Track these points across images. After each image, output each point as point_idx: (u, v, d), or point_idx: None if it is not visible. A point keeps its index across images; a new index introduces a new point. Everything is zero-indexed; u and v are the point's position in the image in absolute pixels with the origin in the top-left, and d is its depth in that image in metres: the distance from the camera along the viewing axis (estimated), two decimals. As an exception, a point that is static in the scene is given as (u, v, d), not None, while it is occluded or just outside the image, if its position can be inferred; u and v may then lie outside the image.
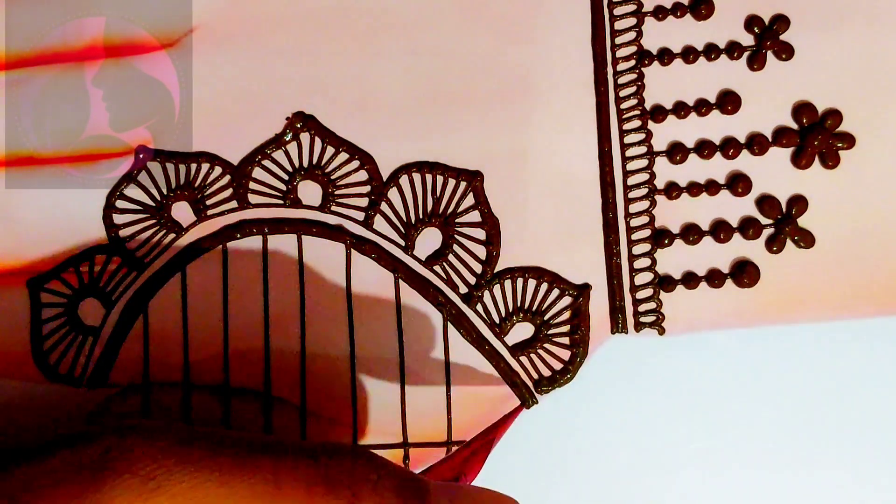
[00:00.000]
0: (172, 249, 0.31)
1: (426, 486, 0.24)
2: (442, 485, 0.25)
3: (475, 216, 0.32)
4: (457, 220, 0.32)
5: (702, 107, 0.32)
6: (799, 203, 0.32)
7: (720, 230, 0.32)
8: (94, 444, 0.24)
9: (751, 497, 0.32)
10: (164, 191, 0.32)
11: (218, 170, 0.32)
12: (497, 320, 0.32)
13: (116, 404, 0.31)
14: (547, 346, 0.32)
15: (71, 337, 0.31)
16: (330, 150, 0.32)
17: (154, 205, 0.32)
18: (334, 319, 0.31)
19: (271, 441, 0.24)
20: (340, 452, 0.24)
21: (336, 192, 0.32)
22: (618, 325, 0.32)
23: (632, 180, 0.32)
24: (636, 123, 0.32)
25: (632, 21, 0.32)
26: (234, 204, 0.32)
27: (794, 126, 0.32)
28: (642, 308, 0.32)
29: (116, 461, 0.23)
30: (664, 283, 0.32)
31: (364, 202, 0.32)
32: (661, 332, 0.32)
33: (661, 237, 0.32)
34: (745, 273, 0.32)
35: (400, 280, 0.32)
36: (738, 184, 0.32)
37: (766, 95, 0.32)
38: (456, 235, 0.32)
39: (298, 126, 0.32)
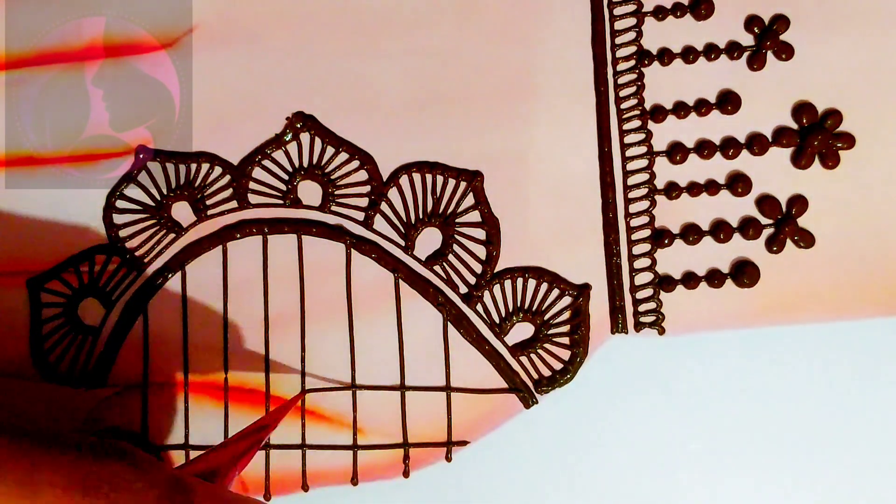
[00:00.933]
0: (172, 249, 0.31)
1: (190, 493, 0.24)
2: (208, 491, 0.24)
3: (475, 216, 0.32)
4: (457, 220, 0.32)
5: (702, 107, 0.32)
6: (799, 203, 0.32)
7: (720, 230, 0.32)
8: None
9: (750, 497, 0.32)
10: (164, 191, 0.32)
11: (218, 170, 0.32)
12: (497, 320, 0.32)
13: (116, 404, 0.31)
14: (547, 346, 0.32)
15: (71, 337, 0.31)
16: (330, 150, 0.32)
17: (154, 205, 0.32)
18: (334, 319, 0.31)
19: (38, 434, 0.23)
20: (107, 453, 0.23)
21: (336, 192, 0.32)
22: (618, 325, 0.32)
23: (632, 180, 0.32)
24: (636, 123, 0.32)
25: (632, 21, 0.32)
26: (234, 204, 0.32)
27: (794, 126, 0.32)
28: (642, 308, 0.32)
29: None
30: (664, 283, 0.32)
31: (364, 202, 0.32)
32: (661, 332, 0.32)
33: (661, 237, 0.32)
34: (745, 273, 0.32)
35: (400, 280, 0.32)
36: (738, 184, 0.32)
37: (766, 95, 0.32)
38: (456, 235, 0.32)
39: (298, 126, 0.32)
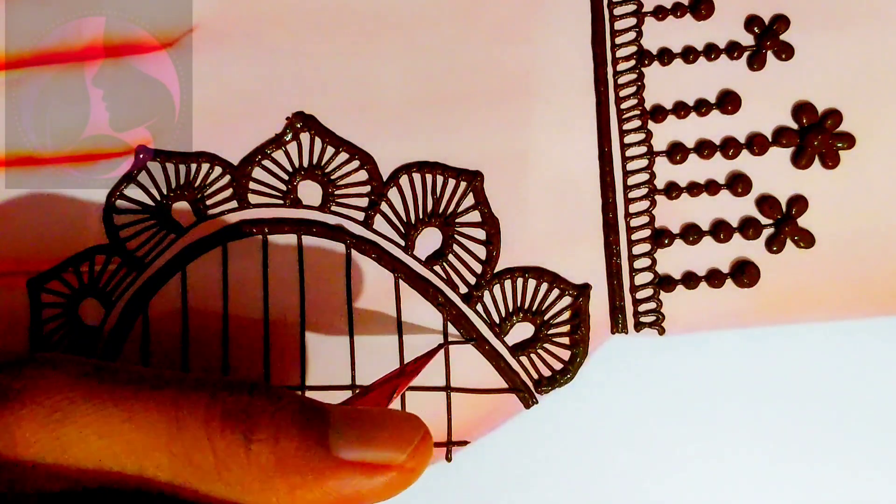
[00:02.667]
0: (172, 249, 0.31)
1: (326, 412, 0.25)
2: (343, 409, 0.25)
3: (475, 216, 0.32)
4: (457, 220, 0.32)
5: (702, 107, 0.32)
6: (799, 203, 0.32)
7: (720, 230, 0.32)
8: (5, 373, 0.24)
9: (750, 497, 0.32)
10: (164, 191, 0.32)
11: (218, 170, 0.32)
12: (497, 320, 0.32)
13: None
14: (547, 346, 0.32)
15: (71, 337, 0.31)
16: (330, 150, 0.32)
17: (154, 205, 0.32)
18: (334, 319, 0.31)
19: (173, 377, 0.25)
20: (238, 387, 0.24)
21: (336, 192, 0.32)
22: (618, 325, 0.32)
23: (632, 180, 0.32)
24: (636, 123, 0.32)
25: (632, 21, 0.32)
26: (234, 204, 0.32)
27: (794, 126, 0.32)
28: (642, 308, 0.32)
29: (24, 392, 0.24)
30: (664, 283, 0.32)
31: (364, 202, 0.32)
32: (661, 332, 0.32)
33: (661, 237, 0.32)
34: (745, 273, 0.32)
35: (400, 280, 0.32)
36: (738, 184, 0.32)
37: (766, 95, 0.32)
38: (456, 235, 0.32)
39: (298, 126, 0.32)
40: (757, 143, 0.32)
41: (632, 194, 0.32)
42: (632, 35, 0.32)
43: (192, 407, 0.24)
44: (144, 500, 0.24)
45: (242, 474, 0.23)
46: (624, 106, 0.32)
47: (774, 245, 0.32)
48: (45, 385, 0.24)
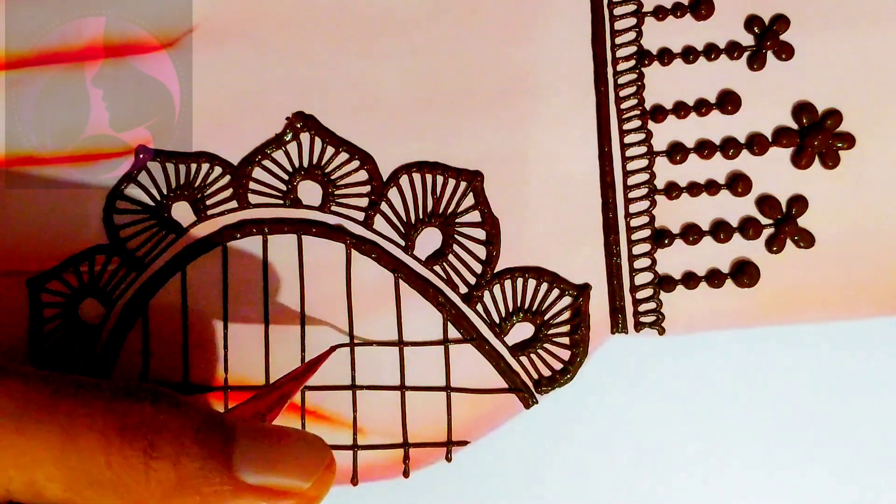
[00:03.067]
0: (172, 249, 0.31)
1: (231, 429, 0.24)
2: (248, 426, 0.24)
3: (475, 216, 0.32)
4: (457, 220, 0.32)
5: (702, 107, 0.32)
6: (799, 203, 0.32)
7: (720, 230, 0.32)
8: None
9: (750, 497, 0.32)
10: (164, 191, 0.32)
11: (218, 170, 0.32)
12: (497, 320, 0.32)
13: None
14: (547, 346, 0.32)
15: (71, 337, 0.31)
16: (330, 150, 0.32)
17: (154, 205, 0.32)
18: (334, 319, 0.31)
19: (70, 382, 0.24)
20: (140, 397, 0.23)
21: (336, 192, 0.32)
22: (618, 325, 0.32)
23: (632, 180, 0.32)
24: (636, 123, 0.32)
25: (632, 21, 0.32)
26: (234, 204, 0.32)
27: (794, 126, 0.32)
28: (642, 308, 0.32)
29: None
30: (664, 283, 0.32)
31: (364, 202, 0.32)
32: (661, 332, 0.32)
33: (661, 237, 0.32)
34: (745, 273, 0.32)
35: (400, 280, 0.32)
36: (738, 184, 0.32)
37: (766, 95, 0.32)
38: (456, 235, 0.32)
39: (298, 126, 0.32)
40: (757, 143, 0.32)
41: (632, 194, 0.32)
42: (632, 35, 0.32)
43: (89, 417, 0.23)
44: None
45: (140, 491, 0.23)
46: (624, 106, 0.32)
47: (774, 245, 0.32)
48: None
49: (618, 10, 0.32)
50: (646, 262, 0.32)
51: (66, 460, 0.22)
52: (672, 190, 0.32)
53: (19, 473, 0.22)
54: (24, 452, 0.22)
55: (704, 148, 0.32)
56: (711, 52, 0.32)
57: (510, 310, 0.32)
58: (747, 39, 0.32)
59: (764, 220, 0.32)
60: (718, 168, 0.32)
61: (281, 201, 0.32)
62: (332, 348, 0.30)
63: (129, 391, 0.24)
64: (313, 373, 0.29)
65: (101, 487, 0.23)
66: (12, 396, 0.23)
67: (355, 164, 0.32)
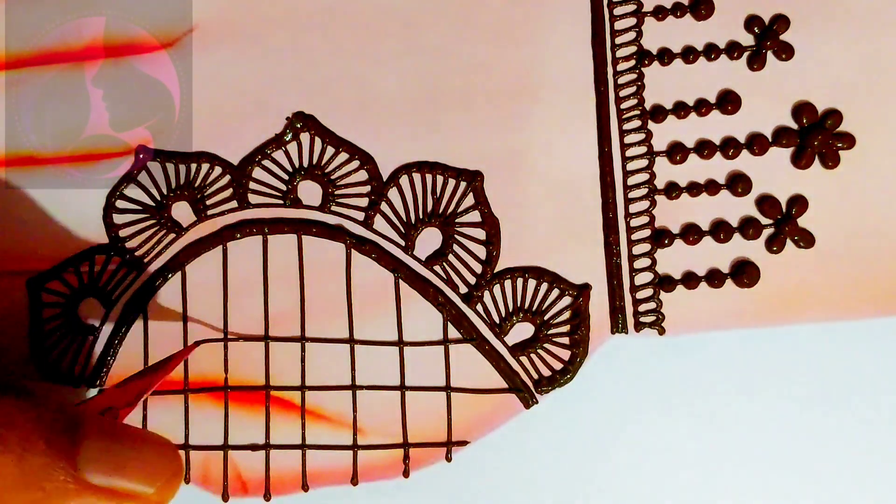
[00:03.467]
0: (172, 249, 0.31)
1: (81, 428, 0.24)
2: (99, 426, 0.25)
3: (475, 216, 0.32)
4: (457, 220, 0.32)
5: (702, 107, 0.32)
6: (799, 203, 0.32)
7: (720, 230, 0.32)
8: None
9: (750, 496, 0.32)
10: (164, 191, 0.32)
11: (218, 170, 0.32)
12: (497, 320, 0.32)
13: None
14: (547, 346, 0.32)
15: (71, 337, 0.31)
16: (330, 150, 0.32)
17: (154, 205, 0.32)
18: (334, 319, 0.31)
19: None
20: None
21: (336, 192, 0.32)
22: (618, 325, 0.32)
23: (632, 180, 0.32)
24: (636, 123, 0.32)
25: (632, 21, 0.32)
26: (234, 204, 0.32)
27: (794, 126, 0.32)
28: (642, 308, 0.32)
29: None
30: (664, 283, 0.32)
31: (364, 202, 0.32)
32: (661, 332, 0.32)
33: (661, 237, 0.32)
34: (745, 273, 0.32)
35: (400, 280, 0.32)
36: (738, 184, 0.32)
37: (766, 95, 0.32)
38: (456, 235, 0.32)
39: (298, 126, 0.32)
40: (757, 143, 0.32)
41: (632, 194, 0.32)
42: (632, 35, 0.32)
43: None
44: None
45: None
46: (624, 106, 0.32)
47: (774, 245, 0.32)
48: None
49: (618, 10, 0.32)
50: (646, 262, 0.32)
51: None
52: (672, 190, 0.32)
53: None
54: None
55: (704, 148, 0.32)
56: (711, 52, 0.32)
57: (510, 310, 0.32)
58: (747, 39, 0.32)
59: (764, 220, 0.32)
60: (718, 168, 0.32)
61: (281, 201, 0.32)
62: (196, 343, 0.30)
63: None
64: (172, 368, 0.29)
65: None
66: None
67: (355, 164, 0.32)
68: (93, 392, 0.31)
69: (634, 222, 0.32)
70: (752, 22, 0.32)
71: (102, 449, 0.24)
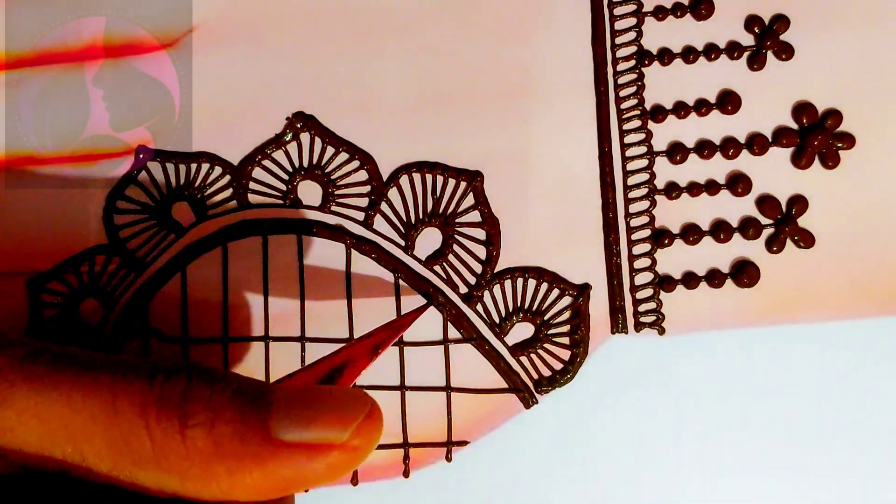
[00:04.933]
0: (172, 249, 0.31)
1: (265, 392, 0.24)
2: (283, 386, 0.25)
3: (475, 216, 0.32)
4: (457, 220, 0.32)
5: (702, 107, 0.32)
6: (799, 203, 0.32)
7: (720, 230, 0.32)
8: None
9: (750, 497, 0.32)
10: (164, 191, 0.32)
11: (218, 170, 0.32)
12: (497, 320, 0.32)
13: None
14: (547, 346, 0.32)
15: (70, 338, 0.31)
16: (330, 150, 0.32)
17: (154, 205, 0.32)
18: (334, 319, 0.31)
19: (112, 360, 0.24)
20: (176, 371, 0.24)
21: (336, 192, 0.32)
22: (618, 325, 0.32)
23: (632, 180, 0.32)
24: (636, 123, 0.32)
25: (632, 21, 0.32)
26: (234, 204, 0.32)
27: (794, 126, 0.32)
28: (642, 308, 0.32)
29: None
30: (664, 283, 0.32)
31: (364, 202, 0.32)
32: (661, 332, 0.32)
33: (661, 237, 0.32)
34: (745, 273, 0.32)
35: (400, 280, 0.32)
36: (738, 184, 0.32)
37: (766, 95, 0.32)
38: (456, 235, 0.32)
39: (298, 126, 0.32)
40: (757, 143, 0.32)
41: (632, 194, 0.32)
42: (632, 35, 0.32)
43: (129, 392, 0.23)
44: (84, 488, 0.23)
45: (180, 461, 0.23)
46: (624, 106, 0.32)
47: (774, 245, 0.32)
48: None
49: (618, 10, 0.32)
50: (646, 262, 0.32)
51: (110, 434, 0.23)
52: (672, 190, 0.32)
53: (71, 447, 0.23)
54: (73, 427, 0.23)
55: (704, 148, 0.32)
56: (711, 52, 0.32)
57: (510, 310, 0.32)
58: (747, 39, 0.32)
59: (764, 220, 0.32)
60: (718, 168, 0.32)
61: (281, 201, 0.32)
62: (427, 304, 0.30)
63: (165, 368, 0.24)
64: (406, 327, 0.29)
65: (145, 463, 0.23)
66: (60, 374, 0.23)
67: (355, 164, 0.32)
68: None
69: (634, 222, 0.32)
70: (752, 22, 0.32)
71: (291, 406, 0.24)
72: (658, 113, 0.32)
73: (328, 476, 0.24)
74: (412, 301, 0.31)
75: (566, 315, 0.32)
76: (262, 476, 0.23)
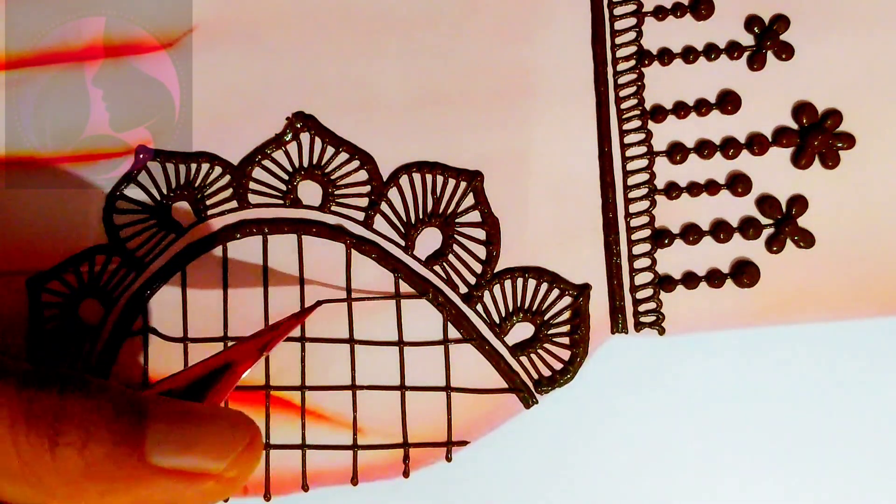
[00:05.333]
0: (172, 249, 0.31)
1: (144, 412, 0.23)
2: (163, 406, 0.23)
3: (475, 216, 0.32)
4: (457, 220, 0.32)
5: (702, 107, 0.32)
6: (799, 203, 0.32)
7: (720, 230, 0.32)
8: None
9: (750, 497, 0.32)
10: (164, 191, 0.32)
11: (218, 170, 0.32)
12: (497, 320, 0.32)
13: None
14: (547, 346, 0.32)
15: (71, 337, 0.31)
16: (330, 150, 0.32)
17: (154, 205, 0.32)
18: (334, 319, 0.31)
19: None
20: (48, 382, 0.23)
21: (336, 192, 0.32)
22: (618, 325, 0.32)
23: (632, 180, 0.32)
24: (636, 123, 0.32)
25: (632, 21, 0.32)
26: (234, 204, 0.32)
27: (794, 126, 0.32)
28: (642, 308, 0.32)
29: None
30: (664, 283, 0.32)
31: (364, 202, 0.32)
32: (661, 332, 0.32)
33: (661, 237, 0.32)
34: (745, 273, 0.32)
35: (400, 280, 0.32)
36: (738, 184, 0.32)
37: (766, 95, 0.32)
38: (456, 235, 0.32)
39: (298, 126, 0.32)
40: (757, 143, 0.32)
41: (632, 194, 0.32)
42: (632, 35, 0.32)
43: None
44: None
45: (48, 478, 0.22)
46: (624, 106, 0.32)
47: (774, 245, 0.32)
48: None
49: (618, 10, 0.32)
50: (646, 262, 0.32)
51: None
52: (672, 190, 0.32)
53: None
54: None
55: (704, 148, 0.32)
56: (711, 52, 0.32)
57: (510, 310, 0.32)
58: (747, 39, 0.32)
59: (764, 220, 0.32)
60: (718, 168, 0.32)
61: (281, 201, 0.32)
62: (318, 303, 0.30)
63: (36, 377, 0.23)
64: (293, 328, 0.28)
65: (13, 478, 0.22)
66: None
67: (355, 164, 0.32)
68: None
69: (634, 222, 0.32)
70: (752, 22, 0.32)
71: (169, 430, 0.23)
72: (658, 113, 0.32)
73: (200, 503, 0.23)
74: (412, 301, 0.31)
75: (566, 315, 0.32)
76: (132, 500, 0.23)
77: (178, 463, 0.23)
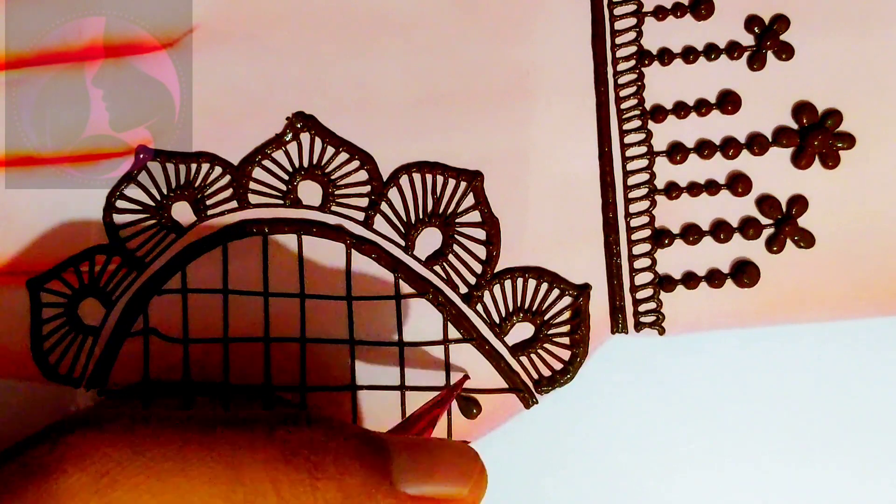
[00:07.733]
0: (172, 249, 0.31)
1: (386, 444, 0.24)
2: (401, 441, 0.25)
3: (475, 216, 0.32)
4: (457, 220, 0.32)
5: (702, 107, 0.32)
6: (799, 203, 0.32)
7: (720, 230, 0.32)
8: (42, 445, 0.23)
9: (750, 497, 0.32)
10: (164, 191, 0.32)
11: (218, 170, 0.32)
12: (497, 320, 0.32)
13: (116, 404, 0.31)
14: (547, 346, 0.32)
15: (71, 337, 0.31)
16: (330, 150, 0.32)
17: (154, 205, 0.32)
18: (334, 319, 0.31)
19: (221, 417, 0.24)
20: (295, 421, 0.24)
21: (336, 192, 0.32)
22: (618, 325, 0.32)
23: (632, 180, 0.32)
24: (636, 123, 0.32)
25: (632, 21, 0.32)
26: (234, 204, 0.32)
27: (794, 126, 0.32)
28: (642, 308, 0.32)
29: (65, 460, 0.22)
30: (664, 283, 0.32)
31: (364, 202, 0.32)
32: (661, 332, 0.32)
33: (661, 237, 0.32)
34: (745, 273, 0.32)
35: (400, 280, 0.32)
36: (738, 184, 0.32)
37: (766, 95, 0.32)
38: (456, 235, 0.32)
39: (298, 126, 0.32)
40: (757, 143, 0.32)
41: (632, 194, 0.32)
42: (632, 35, 0.32)
43: (250, 448, 0.23)
44: None
45: None
46: (624, 106, 0.32)
47: (774, 245, 0.32)
48: (87, 449, 0.22)
49: (618, 10, 0.32)
50: (646, 262, 0.32)
51: (233, 495, 0.22)
52: (672, 190, 0.32)
53: None
54: (189, 494, 0.22)
55: (704, 148, 0.32)
56: (711, 52, 0.32)
57: (510, 310, 0.32)
58: (747, 39, 0.32)
59: (764, 220, 0.32)
60: (718, 168, 0.32)
61: (281, 201, 0.32)
62: (465, 377, 0.31)
63: (285, 418, 0.24)
64: (452, 400, 0.30)
65: None
66: (170, 439, 0.23)
67: (355, 164, 0.32)
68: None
69: (634, 222, 0.32)
70: (752, 22, 0.32)
71: (411, 460, 0.24)
72: (658, 113, 0.32)
73: None
74: (412, 301, 0.31)
75: (566, 315, 0.32)
76: None
77: (425, 490, 0.24)
